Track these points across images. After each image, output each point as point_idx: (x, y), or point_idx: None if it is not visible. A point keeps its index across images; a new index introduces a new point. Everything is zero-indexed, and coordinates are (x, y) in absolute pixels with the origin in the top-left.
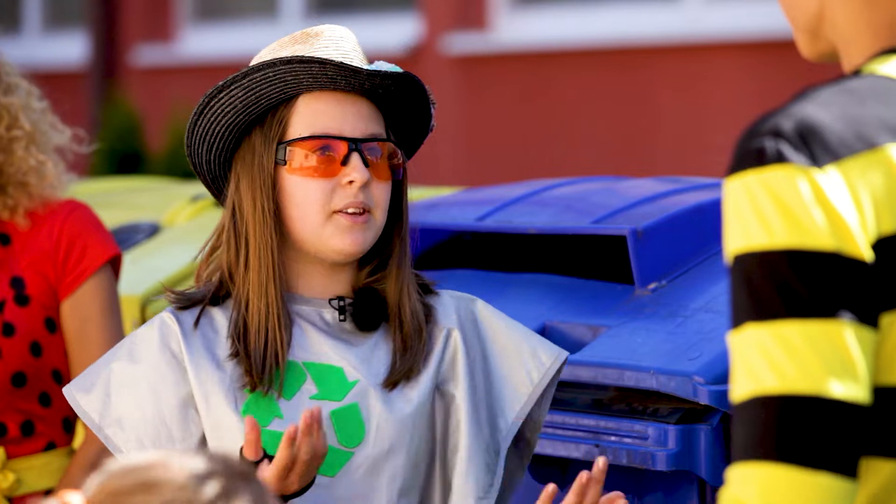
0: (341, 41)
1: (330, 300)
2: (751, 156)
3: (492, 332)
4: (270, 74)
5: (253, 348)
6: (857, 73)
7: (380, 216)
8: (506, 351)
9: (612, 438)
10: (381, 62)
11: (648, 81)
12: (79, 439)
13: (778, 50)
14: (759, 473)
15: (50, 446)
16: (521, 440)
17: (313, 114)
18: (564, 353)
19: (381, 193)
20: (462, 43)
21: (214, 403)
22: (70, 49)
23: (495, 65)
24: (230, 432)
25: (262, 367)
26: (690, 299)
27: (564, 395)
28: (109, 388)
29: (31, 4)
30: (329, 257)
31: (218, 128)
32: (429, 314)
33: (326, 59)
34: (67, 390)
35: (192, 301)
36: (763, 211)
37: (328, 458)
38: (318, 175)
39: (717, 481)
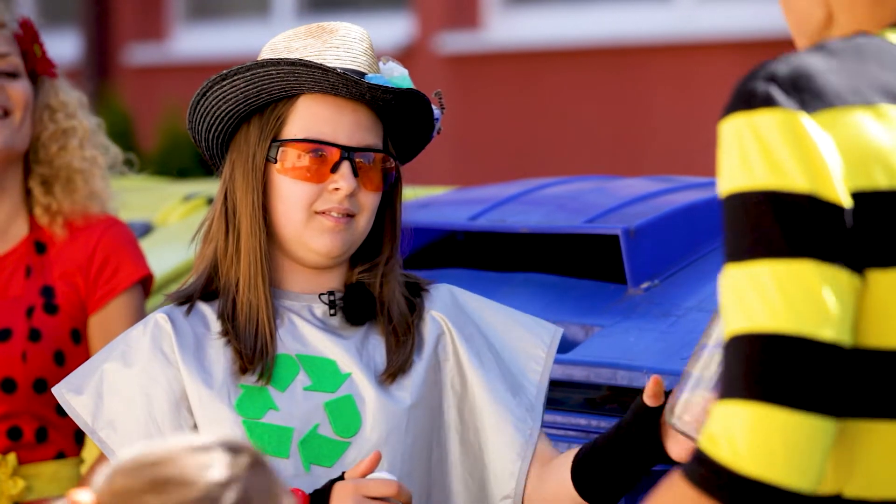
0: (354, 43)
1: (320, 295)
2: (743, 98)
3: (480, 310)
4: (273, 72)
5: (243, 332)
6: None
7: (363, 223)
8: (505, 325)
9: None
10: (392, 63)
11: (641, 80)
12: (87, 450)
13: (769, 49)
14: (740, 411)
15: (60, 455)
16: None
17: (311, 116)
18: (560, 329)
19: (367, 201)
20: (454, 42)
21: (208, 399)
22: (63, 48)
23: (488, 64)
24: (225, 427)
25: (252, 352)
26: (683, 298)
27: (557, 394)
28: (102, 390)
29: (24, 3)
30: (308, 259)
31: (218, 111)
32: (414, 309)
33: (330, 68)
34: (57, 390)
35: (185, 297)
36: (747, 152)
37: (324, 448)
38: (307, 178)
39: None
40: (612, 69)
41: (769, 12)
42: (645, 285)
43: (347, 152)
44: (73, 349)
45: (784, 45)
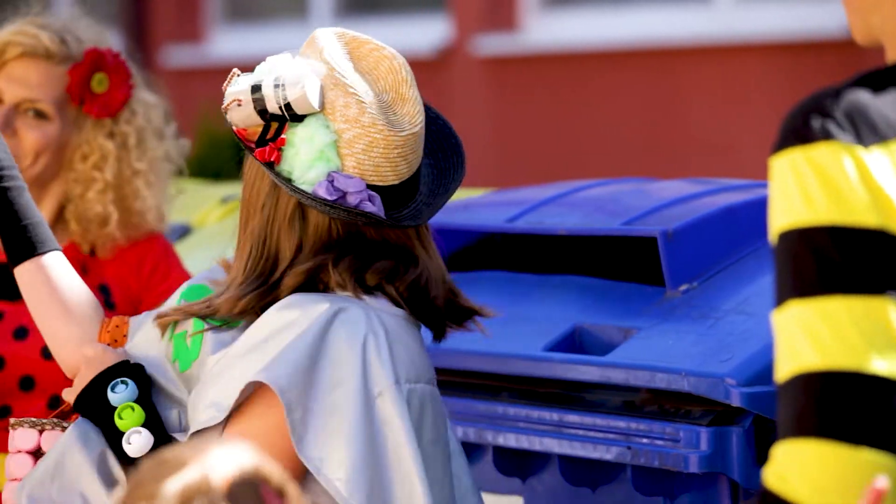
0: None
1: None
2: (797, 133)
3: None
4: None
5: None
6: None
7: None
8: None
9: (644, 440)
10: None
11: (679, 83)
12: None
13: (808, 51)
14: (802, 450)
15: None
16: None
17: None
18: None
19: None
20: (492, 44)
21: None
22: None
23: (525, 66)
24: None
25: None
26: (722, 301)
27: (596, 396)
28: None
29: (62, 4)
30: None
31: None
32: None
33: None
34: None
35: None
36: (807, 187)
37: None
38: None
39: (750, 483)
40: (650, 71)
41: (809, 14)
42: (683, 287)
43: None
44: None
45: (824, 48)
